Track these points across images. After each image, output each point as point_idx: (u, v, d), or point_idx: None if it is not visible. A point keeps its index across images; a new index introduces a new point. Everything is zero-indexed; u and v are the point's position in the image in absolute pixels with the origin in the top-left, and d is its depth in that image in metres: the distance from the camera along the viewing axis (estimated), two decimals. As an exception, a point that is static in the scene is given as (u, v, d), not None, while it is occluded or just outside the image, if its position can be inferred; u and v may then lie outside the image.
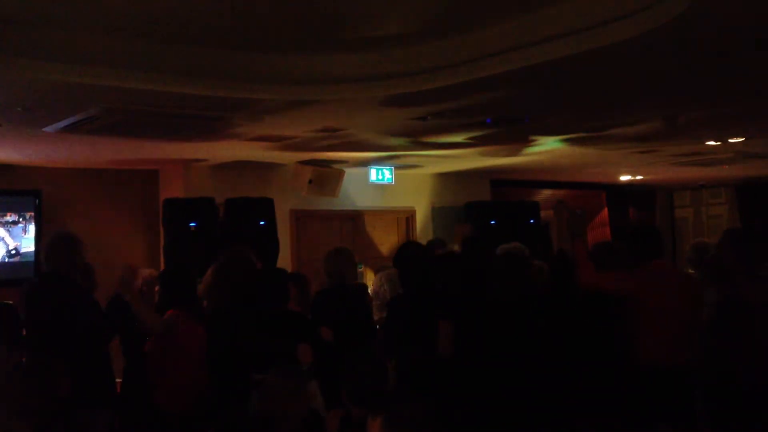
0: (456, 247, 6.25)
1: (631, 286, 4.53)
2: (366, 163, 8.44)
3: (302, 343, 4.48)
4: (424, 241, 9.13)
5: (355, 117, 5.44)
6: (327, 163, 8.10)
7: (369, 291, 6.53)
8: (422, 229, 9.71)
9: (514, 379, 4.53)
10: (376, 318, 6.00)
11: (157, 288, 5.15)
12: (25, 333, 4.74)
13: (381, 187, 9.20)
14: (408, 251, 5.03)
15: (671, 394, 4.42)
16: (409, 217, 9.73)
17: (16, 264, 7.35)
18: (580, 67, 4.13)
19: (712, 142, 7.43)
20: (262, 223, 7.52)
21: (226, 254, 4.94)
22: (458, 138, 6.43)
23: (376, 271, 7.55)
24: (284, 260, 7.97)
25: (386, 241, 9.54)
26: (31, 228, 7.43)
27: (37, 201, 7.49)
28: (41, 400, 3.54)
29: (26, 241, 7.43)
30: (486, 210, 9.61)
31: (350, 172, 8.61)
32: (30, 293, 4.67)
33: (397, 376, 4.45)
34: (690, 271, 6.11)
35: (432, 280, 4.82)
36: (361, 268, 8.72)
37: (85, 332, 4.44)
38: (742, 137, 7.17)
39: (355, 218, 9.31)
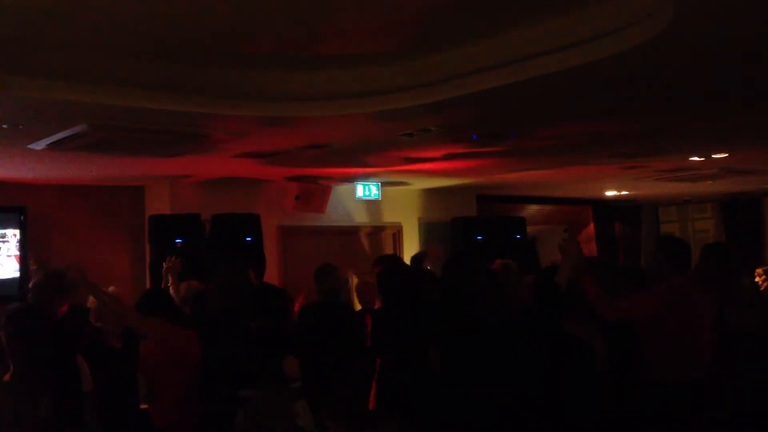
0: (429, 267, 6.18)
1: (655, 307, 4.35)
2: (353, 179, 8.44)
3: (290, 357, 4.46)
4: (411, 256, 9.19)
5: (340, 133, 5.45)
6: (314, 180, 8.10)
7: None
8: (409, 244, 9.71)
9: (503, 400, 4.47)
10: None
11: None
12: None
13: (368, 203, 9.20)
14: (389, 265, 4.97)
15: (683, 408, 4.31)
16: (396, 232, 9.74)
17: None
18: (566, 83, 4.16)
19: (696, 158, 7.48)
20: (248, 239, 7.50)
21: (223, 269, 4.89)
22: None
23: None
24: (271, 276, 7.95)
25: (373, 257, 9.51)
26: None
27: (21, 217, 7.43)
28: (23, 420, 3.52)
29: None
30: (472, 225, 9.63)
31: (337, 188, 8.62)
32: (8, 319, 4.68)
33: (379, 394, 4.41)
34: None
35: (415, 297, 4.79)
36: (349, 283, 8.72)
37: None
38: (726, 153, 7.22)
39: (342, 234, 9.29)
